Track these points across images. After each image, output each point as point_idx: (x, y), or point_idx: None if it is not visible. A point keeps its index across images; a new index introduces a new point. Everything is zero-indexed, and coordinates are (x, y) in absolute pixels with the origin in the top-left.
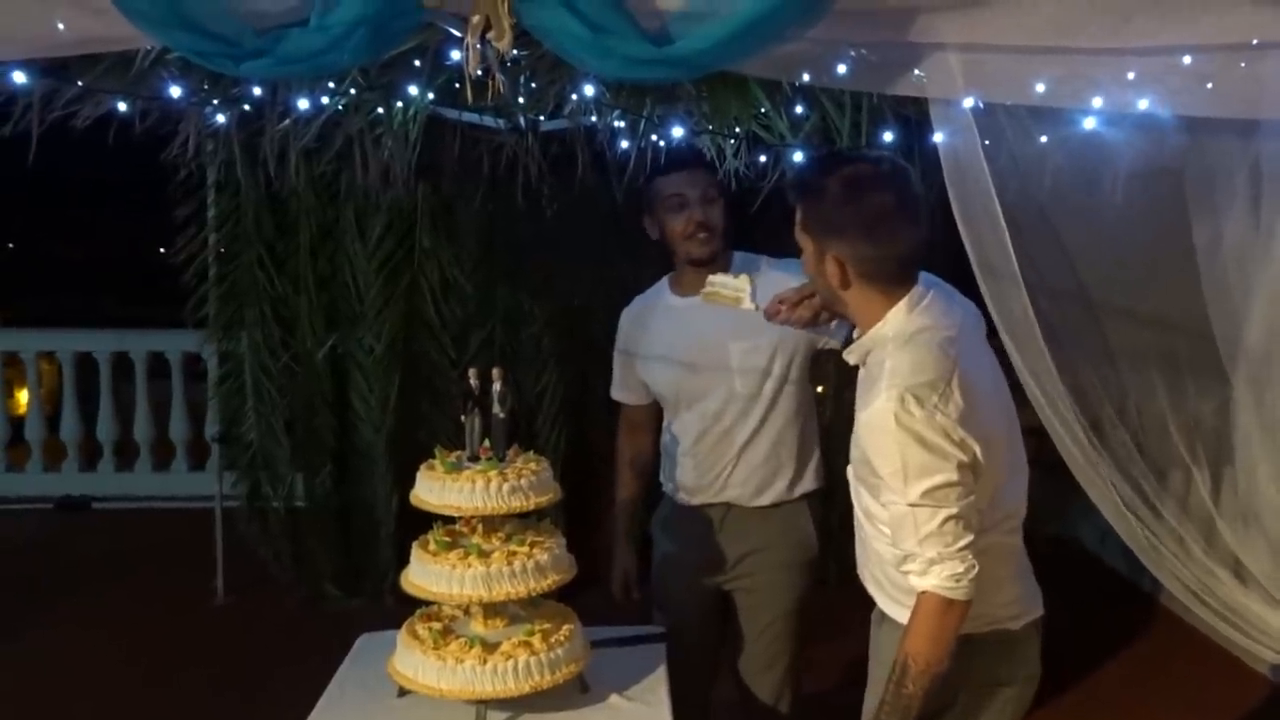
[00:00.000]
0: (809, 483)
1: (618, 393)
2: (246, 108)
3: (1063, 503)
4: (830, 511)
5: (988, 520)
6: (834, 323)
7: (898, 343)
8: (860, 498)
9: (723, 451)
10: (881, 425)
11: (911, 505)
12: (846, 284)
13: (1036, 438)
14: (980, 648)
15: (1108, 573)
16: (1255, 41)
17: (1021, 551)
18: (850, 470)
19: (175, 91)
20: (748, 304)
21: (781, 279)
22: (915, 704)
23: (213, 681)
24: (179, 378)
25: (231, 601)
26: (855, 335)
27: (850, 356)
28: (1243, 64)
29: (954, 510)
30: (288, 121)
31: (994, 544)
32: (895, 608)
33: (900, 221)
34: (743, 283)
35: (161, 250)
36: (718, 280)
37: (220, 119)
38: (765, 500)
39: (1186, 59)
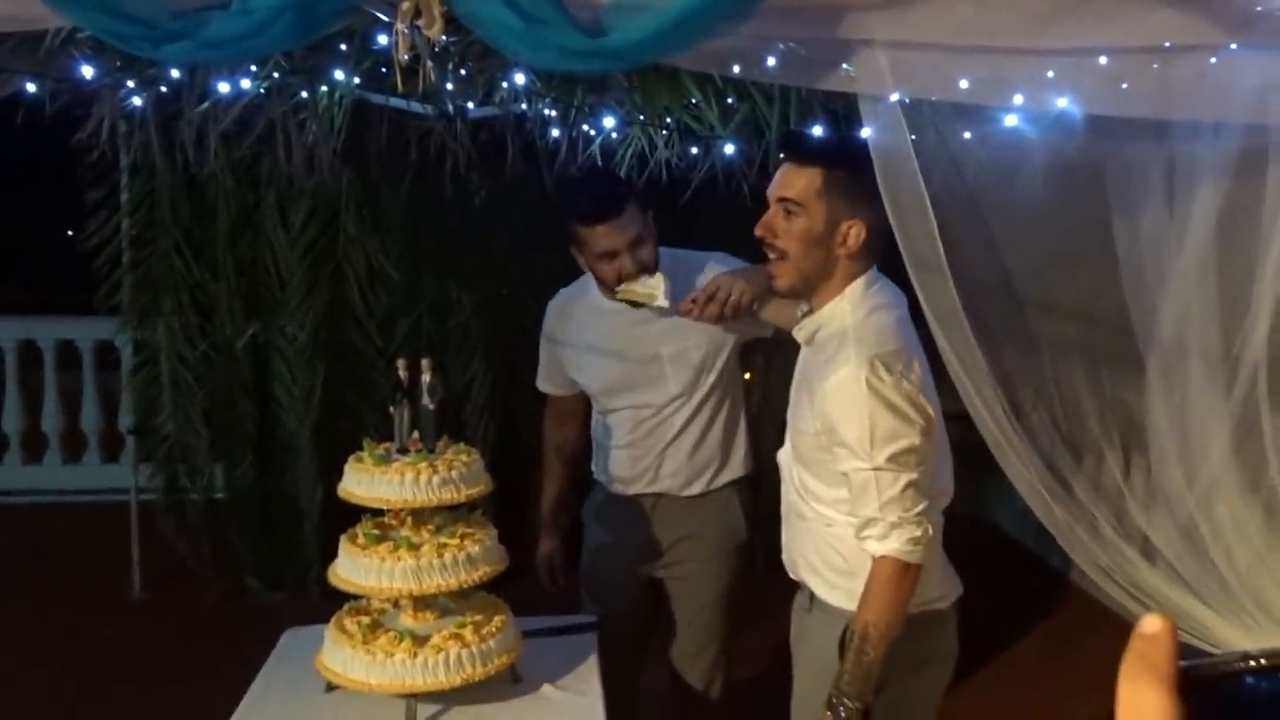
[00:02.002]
0: (738, 469)
1: (544, 384)
2: (163, 90)
3: (980, 486)
4: (759, 498)
5: (929, 496)
6: (740, 318)
7: (857, 316)
8: (798, 477)
9: (654, 444)
10: (852, 390)
11: (876, 469)
12: (855, 253)
13: (956, 423)
14: (912, 629)
15: (1023, 553)
16: (1167, 45)
17: (941, 530)
18: (785, 453)
19: (88, 72)
20: (661, 301)
21: (698, 274)
22: (876, 670)
23: (131, 681)
24: (91, 367)
25: (149, 598)
26: (803, 312)
27: (799, 334)
28: (1155, 66)
29: (914, 475)
30: (206, 104)
31: (931, 523)
32: (831, 592)
33: None
34: (657, 281)
35: (70, 234)
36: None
37: (136, 101)
38: (696, 489)
39: (1102, 60)
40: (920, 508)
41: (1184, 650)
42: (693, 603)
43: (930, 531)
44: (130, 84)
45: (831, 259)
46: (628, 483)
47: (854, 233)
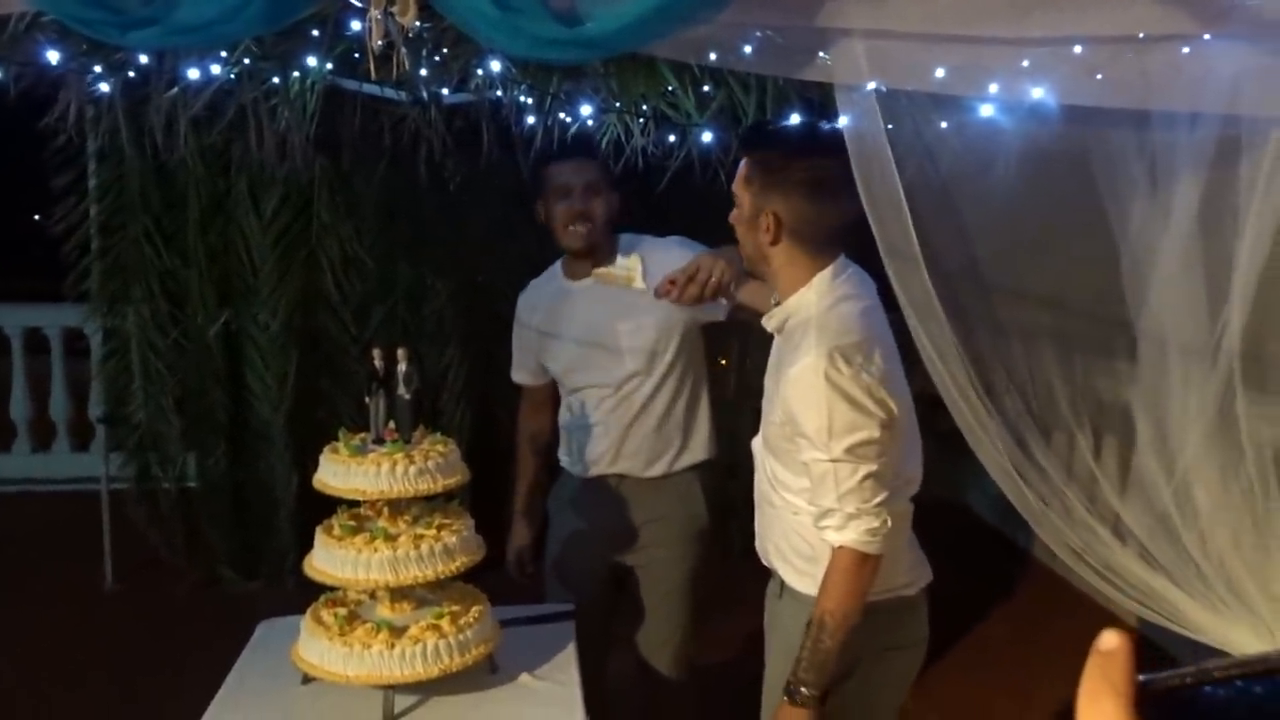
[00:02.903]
0: (700, 453)
1: (517, 374)
2: (131, 75)
3: (952, 470)
4: (735, 483)
5: (892, 486)
6: (719, 300)
7: (822, 307)
8: (768, 466)
9: (615, 422)
10: (810, 381)
11: (834, 461)
12: (777, 240)
13: (928, 407)
14: (880, 615)
15: (994, 535)
16: (1141, 35)
17: (910, 519)
18: (758, 442)
19: (53, 56)
20: (639, 283)
21: (664, 257)
22: (832, 658)
23: (104, 673)
24: (59, 354)
25: (121, 589)
26: (775, 301)
27: (769, 323)
28: (1129, 56)
29: (873, 467)
30: (176, 90)
31: (895, 511)
32: (799, 579)
33: (841, 188)
34: (634, 263)
35: (37, 219)
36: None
37: (103, 87)
38: (656, 471)
39: (1077, 49)
40: (879, 499)
41: (1143, 664)
42: (658, 588)
43: (889, 523)
44: (97, 69)
45: (761, 246)
46: (590, 464)
47: (767, 220)
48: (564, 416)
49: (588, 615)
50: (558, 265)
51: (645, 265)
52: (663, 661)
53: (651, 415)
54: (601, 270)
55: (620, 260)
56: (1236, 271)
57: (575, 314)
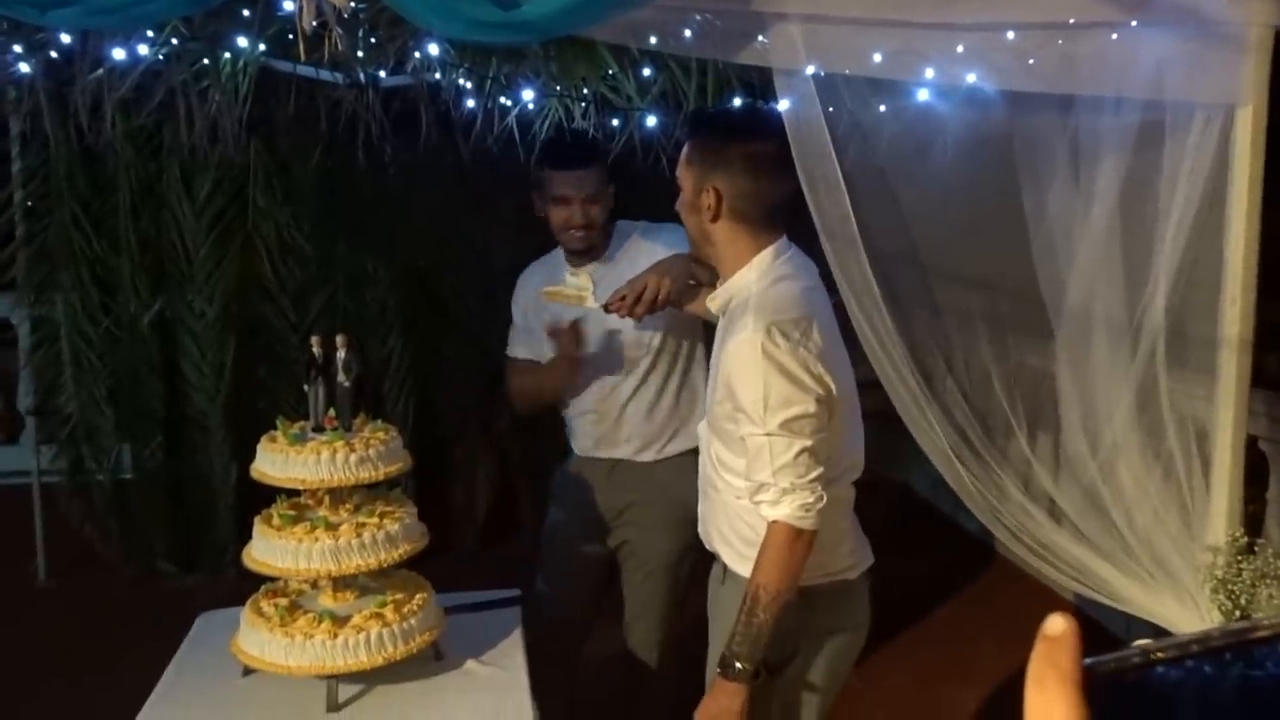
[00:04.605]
0: (691, 439)
1: (512, 349)
2: (54, 55)
3: (896, 451)
4: None
5: (834, 471)
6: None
7: (762, 285)
8: (712, 449)
9: (605, 414)
10: (748, 355)
11: (769, 435)
12: (717, 217)
13: (872, 390)
14: (822, 599)
15: (937, 516)
16: (1071, 21)
17: (853, 503)
18: (703, 425)
19: None
20: (591, 303)
21: (653, 247)
22: (766, 632)
23: (39, 671)
24: None
25: (55, 584)
26: (719, 284)
27: (713, 304)
28: (1059, 42)
29: (808, 442)
30: (101, 71)
31: (836, 495)
32: (741, 563)
33: (781, 167)
34: (584, 281)
35: None
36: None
37: (24, 68)
38: (649, 456)
39: (1009, 35)
40: (814, 474)
41: (1077, 596)
42: (639, 569)
43: (824, 498)
44: (17, 49)
45: (703, 225)
46: (585, 448)
47: (709, 198)
48: (563, 404)
49: (571, 595)
50: (559, 253)
51: (638, 260)
52: (638, 643)
53: (641, 404)
54: (552, 289)
55: (569, 279)
56: (1160, 253)
57: (560, 312)
